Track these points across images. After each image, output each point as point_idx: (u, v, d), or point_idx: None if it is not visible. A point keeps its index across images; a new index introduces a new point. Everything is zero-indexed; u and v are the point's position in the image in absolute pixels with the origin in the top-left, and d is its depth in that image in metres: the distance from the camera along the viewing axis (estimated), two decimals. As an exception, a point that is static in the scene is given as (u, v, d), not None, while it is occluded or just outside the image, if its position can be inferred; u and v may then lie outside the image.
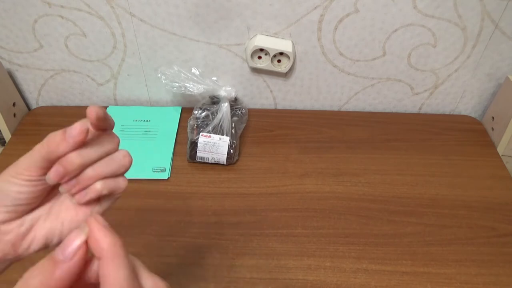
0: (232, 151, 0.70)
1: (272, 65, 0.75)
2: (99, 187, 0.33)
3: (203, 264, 0.58)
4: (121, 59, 0.77)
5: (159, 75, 0.73)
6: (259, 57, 0.74)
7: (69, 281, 0.25)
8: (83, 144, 0.31)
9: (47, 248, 0.33)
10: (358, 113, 0.83)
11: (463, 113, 0.85)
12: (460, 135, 0.79)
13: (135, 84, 0.81)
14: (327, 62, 0.76)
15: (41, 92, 0.83)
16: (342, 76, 0.78)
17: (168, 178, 0.70)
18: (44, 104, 0.85)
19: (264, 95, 0.83)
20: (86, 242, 0.25)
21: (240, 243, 0.60)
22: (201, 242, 0.60)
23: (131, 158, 0.35)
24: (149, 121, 0.80)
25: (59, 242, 0.32)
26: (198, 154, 0.70)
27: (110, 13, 0.70)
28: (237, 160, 0.73)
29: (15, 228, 0.32)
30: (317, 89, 0.81)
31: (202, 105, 0.75)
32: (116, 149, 0.34)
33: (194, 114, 0.73)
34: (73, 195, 0.33)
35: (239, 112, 0.75)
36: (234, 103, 0.76)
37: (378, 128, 0.80)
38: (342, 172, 0.71)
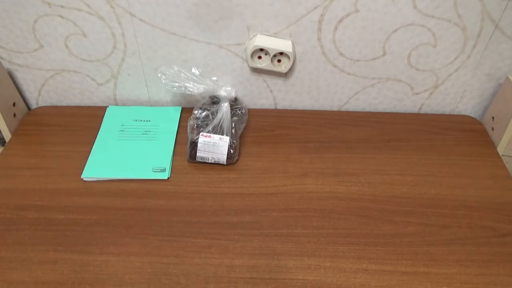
0: (232, 151, 0.70)
1: (272, 65, 0.75)
2: None
3: (203, 264, 0.58)
4: (121, 59, 0.77)
5: (159, 75, 0.73)
6: (259, 57, 0.74)
7: None
8: None
9: None
10: (358, 113, 0.83)
11: (463, 113, 0.85)
12: (460, 135, 0.79)
13: (135, 84, 0.81)
14: (327, 62, 0.76)
15: (41, 92, 0.83)
16: (342, 76, 0.78)
17: (168, 178, 0.70)
18: (44, 104, 0.85)
19: (264, 95, 0.83)
20: None
21: (240, 243, 0.60)
22: (201, 242, 0.60)
23: None
24: (149, 121, 0.80)
25: None
26: (198, 154, 0.70)
27: (110, 13, 0.70)
28: (237, 160, 0.73)
29: None
30: (317, 89, 0.81)
31: (202, 105, 0.75)
32: None
33: (194, 114, 0.73)
34: None
35: (239, 112, 0.75)
36: (234, 103, 0.76)
37: (378, 128, 0.80)
38: (342, 172, 0.71)
